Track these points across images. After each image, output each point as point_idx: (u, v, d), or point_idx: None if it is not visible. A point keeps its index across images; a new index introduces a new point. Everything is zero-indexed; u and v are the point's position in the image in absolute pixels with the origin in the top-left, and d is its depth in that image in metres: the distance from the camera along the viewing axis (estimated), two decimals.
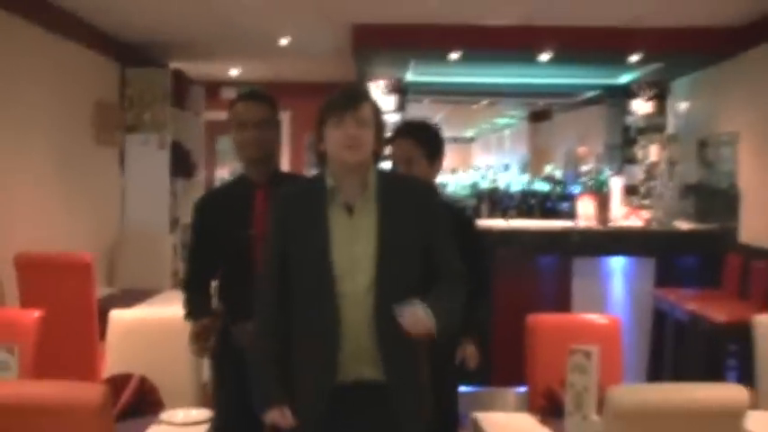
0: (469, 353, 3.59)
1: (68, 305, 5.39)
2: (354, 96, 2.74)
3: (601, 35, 7.35)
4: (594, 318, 4.40)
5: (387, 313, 2.59)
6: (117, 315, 4.14)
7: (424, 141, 3.55)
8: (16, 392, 2.88)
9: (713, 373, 5.71)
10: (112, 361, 4.00)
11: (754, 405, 3.65)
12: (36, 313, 4.15)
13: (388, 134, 3.27)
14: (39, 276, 5.61)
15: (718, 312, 5.89)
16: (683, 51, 7.58)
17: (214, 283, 3.60)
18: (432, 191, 2.96)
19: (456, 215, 3.66)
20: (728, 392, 2.94)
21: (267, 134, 3.39)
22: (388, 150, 3.31)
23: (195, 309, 3.43)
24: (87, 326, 5.52)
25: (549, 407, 3.67)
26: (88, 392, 2.83)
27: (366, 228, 2.71)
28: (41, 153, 6.77)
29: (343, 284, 2.65)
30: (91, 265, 5.66)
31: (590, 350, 3.41)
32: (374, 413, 2.67)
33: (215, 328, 3.35)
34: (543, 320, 4.18)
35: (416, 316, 2.53)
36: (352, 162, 2.69)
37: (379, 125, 2.78)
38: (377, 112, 2.78)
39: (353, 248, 2.69)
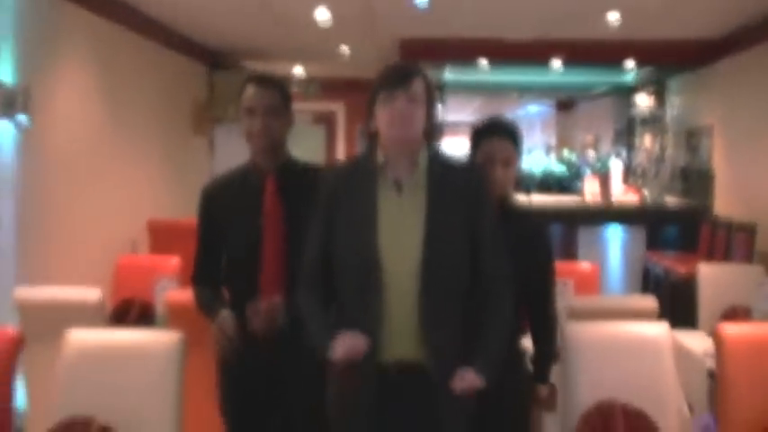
0: (549, 398, 3.32)
1: (187, 259, 6.96)
2: (405, 72, 2.58)
3: (601, 46, 8.91)
4: (580, 265, 6.10)
5: (432, 296, 2.51)
6: None
7: (519, 142, 3.15)
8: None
9: (681, 311, 6.67)
10: None
11: None
12: (174, 259, 5.95)
13: (476, 128, 3.16)
14: (166, 236, 7.41)
15: (683, 267, 7.57)
16: (666, 60, 9.21)
17: None
18: (483, 178, 2.72)
19: (534, 234, 3.19)
20: (643, 300, 4.63)
21: (276, 122, 3.13)
22: (469, 146, 3.15)
23: (212, 305, 3.19)
24: None
25: None
26: None
27: (415, 208, 2.56)
28: (154, 142, 8.49)
29: (389, 265, 2.52)
30: None
31: (566, 281, 5.05)
32: (417, 396, 2.55)
33: (236, 325, 3.05)
34: None
35: (470, 386, 2.46)
36: (402, 138, 2.55)
37: (431, 102, 2.62)
38: (429, 88, 2.61)
39: (401, 228, 2.55)
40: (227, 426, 3.26)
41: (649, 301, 4.58)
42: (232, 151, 10.11)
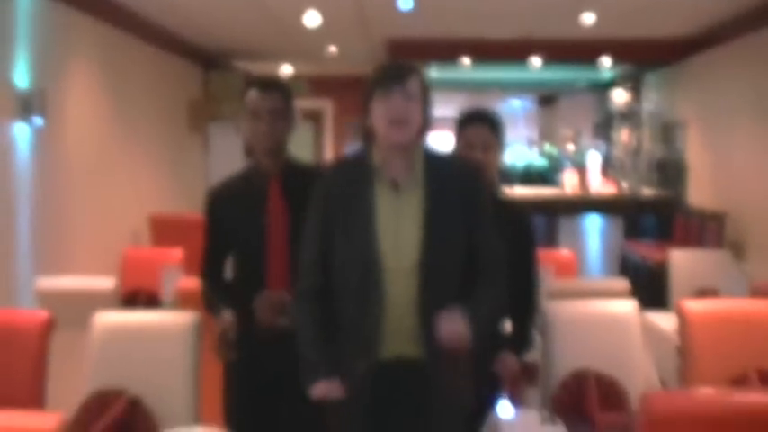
0: (509, 364, 3.36)
1: (189, 251, 6.62)
2: (402, 70, 2.59)
3: (578, 44, 9.26)
4: (559, 252, 6.49)
5: (430, 293, 2.54)
6: None
7: (498, 130, 3.32)
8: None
9: (656, 295, 6.86)
10: None
11: None
12: (178, 251, 6.28)
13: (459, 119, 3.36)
14: (166, 229, 7.74)
15: (658, 255, 7.95)
16: (642, 57, 9.62)
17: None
18: (477, 174, 2.78)
19: (517, 221, 3.44)
20: (615, 282, 5.04)
21: (279, 124, 3.18)
22: (451, 134, 3.36)
23: (215, 304, 3.26)
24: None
25: None
26: None
27: (413, 206, 2.59)
28: (153, 140, 8.81)
29: (388, 263, 2.54)
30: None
31: (546, 268, 5.44)
32: (415, 391, 2.57)
33: (235, 327, 3.14)
34: None
35: (455, 329, 2.47)
36: (398, 139, 2.56)
37: (427, 100, 2.62)
38: (425, 86, 2.62)
39: (399, 227, 2.57)
40: (229, 421, 3.32)
41: (621, 283, 4.98)
42: (226, 148, 10.54)
